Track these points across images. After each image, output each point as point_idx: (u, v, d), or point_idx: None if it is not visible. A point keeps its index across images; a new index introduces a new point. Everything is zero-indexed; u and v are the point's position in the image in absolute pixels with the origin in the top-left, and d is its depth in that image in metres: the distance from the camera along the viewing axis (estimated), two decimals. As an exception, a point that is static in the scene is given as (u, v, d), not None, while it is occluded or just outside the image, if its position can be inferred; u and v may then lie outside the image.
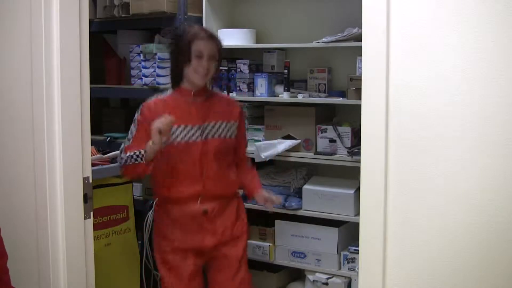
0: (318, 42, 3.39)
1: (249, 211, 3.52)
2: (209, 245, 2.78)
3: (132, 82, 3.86)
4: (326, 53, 3.61)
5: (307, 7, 3.69)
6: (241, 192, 3.03)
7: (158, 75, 3.68)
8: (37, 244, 2.15)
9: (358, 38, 3.13)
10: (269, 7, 3.82)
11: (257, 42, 3.74)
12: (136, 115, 2.75)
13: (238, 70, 3.64)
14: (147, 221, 3.38)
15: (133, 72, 3.85)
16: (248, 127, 3.57)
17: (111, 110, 4.31)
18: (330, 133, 3.40)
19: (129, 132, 2.76)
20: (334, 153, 3.39)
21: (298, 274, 3.71)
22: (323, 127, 3.43)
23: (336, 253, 3.44)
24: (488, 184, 1.56)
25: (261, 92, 3.58)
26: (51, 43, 2.04)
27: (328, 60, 3.63)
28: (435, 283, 1.64)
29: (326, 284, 3.46)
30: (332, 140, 3.40)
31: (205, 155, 2.73)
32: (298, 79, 3.65)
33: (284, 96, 3.50)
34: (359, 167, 1.73)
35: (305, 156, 3.47)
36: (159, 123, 2.52)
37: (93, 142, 2.36)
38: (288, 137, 3.53)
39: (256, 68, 3.69)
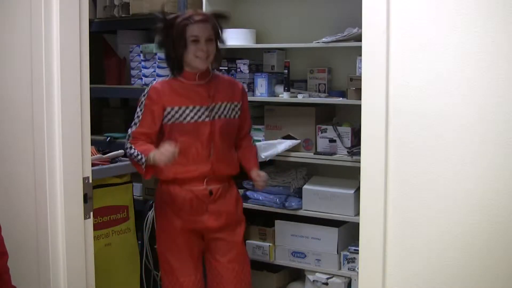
0: (318, 42, 3.38)
1: (249, 211, 3.53)
2: (213, 227, 2.80)
3: (132, 82, 3.86)
4: (326, 53, 3.61)
5: (307, 7, 3.69)
6: (241, 192, 3.04)
7: (158, 75, 3.67)
8: (37, 244, 2.15)
9: (358, 38, 3.13)
10: (269, 7, 3.82)
11: (257, 42, 3.73)
12: (142, 98, 2.76)
13: (238, 70, 3.64)
14: (147, 221, 3.39)
15: (133, 72, 3.85)
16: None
17: (111, 110, 4.31)
18: (330, 133, 3.40)
19: (135, 116, 2.76)
20: (334, 153, 3.39)
21: (298, 274, 3.70)
22: (323, 127, 3.43)
23: (336, 253, 3.43)
24: (488, 184, 1.56)
25: (261, 92, 3.58)
26: (51, 43, 2.04)
27: (328, 60, 3.63)
28: (435, 283, 1.64)
29: (326, 284, 3.46)
30: (332, 140, 3.40)
31: (212, 135, 2.75)
32: (298, 79, 3.64)
33: (284, 96, 3.50)
34: (359, 167, 1.73)
35: (305, 156, 3.47)
36: (163, 156, 2.57)
37: (93, 142, 2.36)
38: (288, 137, 3.53)
39: (256, 68, 3.69)
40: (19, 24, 2.11)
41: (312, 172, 3.65)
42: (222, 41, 2.83)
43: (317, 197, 3.43)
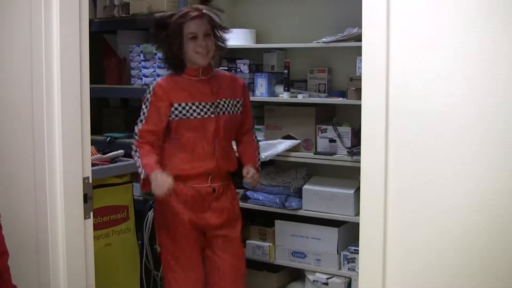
0: (318, 42, 3.38)
1: (249, 211, 3.54)
2: (216, 224, 2.81)
3: (132, 82, 3.86)
4: (326, 53, 3.61)
5: (307, 7, 3.69)
6: (241, 192, 3.04)
7: (158, 75, 3.67)
8: (37, 244, 2.15)
9: (358, 38, 3.13)
10: (269, 7, 3.82)
11: (257, 42, 3.74)
12: (148, 95, 2.75)
13: (238, 70, 3.64)
14: (147, 221, 3.39)
15: (133, 72, 3.85)
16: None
17: (111, 110, 4.30)
18: (330, 133, 3.40)
19: (141, 113, 2.76)
20: (334, 153, 3.39)
21: (298, 274, 3.71)
22: (323, 127, 3.43)
23: (336, 253, 3.44)
24: (489, 184, 1.56)
25: (261, 92, 3.58)
26: (51, 43, 2.04)
27: (328, 60, 3.63)
28: (435, 283, 1.64)
29: (326, 284, 3.46)
30: (332, 140, 3.40)
31: (217, 131, 2.77)
32: (298, 79, 3.64)
33: (284, 96, 3.50)
34: (359, 167, 1.73)
35: (305, 156, 3.47)
36: (157, 188, 2.62)
37: (93, 142, 2.36)
38: (288, 137, 3.53)
39: (256, 68, 3.69)
40: (19, 24, 2.11)
41: (312, 172, 3.65)
42: (222, 34, 2.84)
43: (317, 197, 3.43)
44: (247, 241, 3.63)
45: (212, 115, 2.75)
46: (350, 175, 3.38)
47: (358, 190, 2.99)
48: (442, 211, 1.61)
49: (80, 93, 2.11)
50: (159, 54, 3.65)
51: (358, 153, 2.07)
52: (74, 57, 2.08)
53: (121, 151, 3.25)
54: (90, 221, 2.19)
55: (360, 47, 1.71)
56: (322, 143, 3.43)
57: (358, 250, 1.78)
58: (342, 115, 3.60)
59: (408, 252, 1.67)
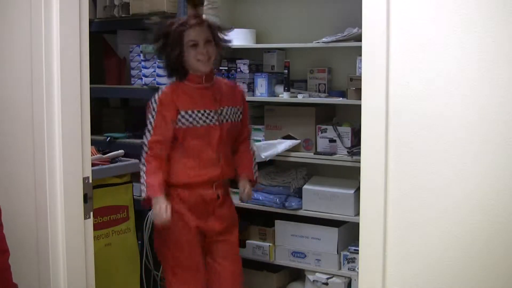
0: (318, 42, 3.38)
1: (249, 211, 3.54)
2: (218, 229, 2.84)
3: (132, 82, 3.86)
4: (326, 53, 3.60)
5: (307, 7, 3.69)
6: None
7: (158, 75, 3.67)
8: (37, 244, 2.15)
9: (358, 38, 3.13)
10: (269, 7, 3.82)
11: (257, 42, 3.73)
12: (154, 105, 2.75)
13: (238, 70, 3.64)
14: (147, 221, 3.39)
15: (133, 72, 3.85)
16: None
17: (111, 110, 4.31)
18: (330, 133, 3.40)
19: (148, 122, 2.76)
20: (334, 153, 3.39)
21: (298, 274, 3.70)
22: (323, 127, 3.43)
23: (336, 253, 3.43)
24: (489, 184, 1.55)
25: (261, 92, 3.58)
26: (51, 43, 2.04)
27: (328, 60, 3.62)
28: (435, 283, 1.64)
29: (326, 284, 3.46)
30: (332, 140, 3.40)
31: (221, 139, 2.79)
32: (298, 79, 3.64)
33: (284, 96, 3.50)
34: (359, 167, 1.73)
35: (305, 156, 3.47)
36: (157, 217, 2.68)
37: (93, 142, 2.36)
38: (288, 137, 3.53)
39: (256, 68, 3.69)
40: (19, 24, 2.11)
41: (312, 172, 3.65)
42: (223, 37, 2.85)
43: (317, 197, 3.43)
44: (247, 241, 3.63)
45: (217, 123, 2.77)
46: (350, 175, 3.38)
47: (358, 190, 2.99)
48: (442, 211, 1.61)
49: (80, 93, 2.11)
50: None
51: (358, 153, 2.07)
52: (74, 57, 2.08)
53: (121, 151, 3.25)
54: (90, 221, 2.19)
55: (360, 47, 1.71)
56: (322, 143, 3.43)
57: (358, 250, 1.78)
58: (342, 115, 3.60)
59: (408, 252, 1.67)
